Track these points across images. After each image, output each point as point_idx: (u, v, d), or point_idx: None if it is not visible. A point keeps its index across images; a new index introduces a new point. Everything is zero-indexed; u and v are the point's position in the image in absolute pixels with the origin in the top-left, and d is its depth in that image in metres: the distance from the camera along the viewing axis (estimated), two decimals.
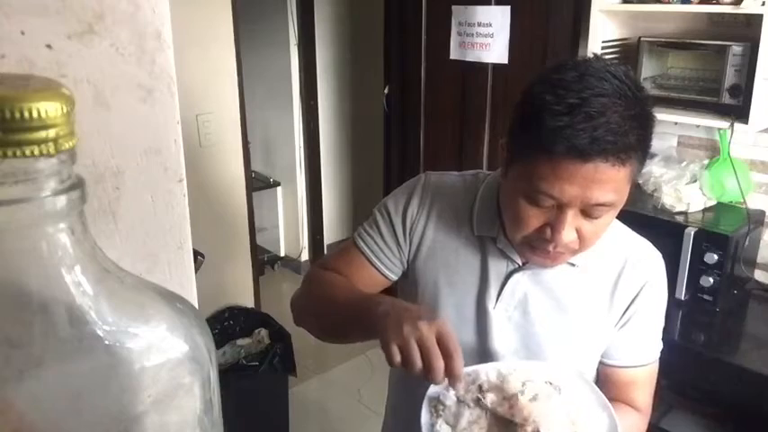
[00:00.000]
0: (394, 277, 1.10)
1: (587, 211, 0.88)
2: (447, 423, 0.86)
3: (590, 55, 0.95)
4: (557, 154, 0.83)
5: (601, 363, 1.07)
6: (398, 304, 0.89)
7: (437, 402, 0.88)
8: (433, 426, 0.86)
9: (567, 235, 0.88)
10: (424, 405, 0.89)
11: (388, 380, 1.26)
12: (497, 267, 1.03)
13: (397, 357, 0.81)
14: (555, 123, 0.82)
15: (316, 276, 1.10)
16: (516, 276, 1.02)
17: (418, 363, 0.80)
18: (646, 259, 1.05)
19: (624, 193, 0.89)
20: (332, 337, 1.09)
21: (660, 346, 1.09)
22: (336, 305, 1.01)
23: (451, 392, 0.88)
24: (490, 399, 0.87)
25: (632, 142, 0.84)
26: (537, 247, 0.93)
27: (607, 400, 0.90)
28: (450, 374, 0.81)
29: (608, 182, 0.84)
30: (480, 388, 0.89)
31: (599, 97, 0.82)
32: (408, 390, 1.15)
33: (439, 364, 0.79)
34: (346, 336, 1.06)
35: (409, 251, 1.08)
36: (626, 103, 0.84)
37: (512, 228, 0.95)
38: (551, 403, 0.86)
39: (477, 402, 0.87)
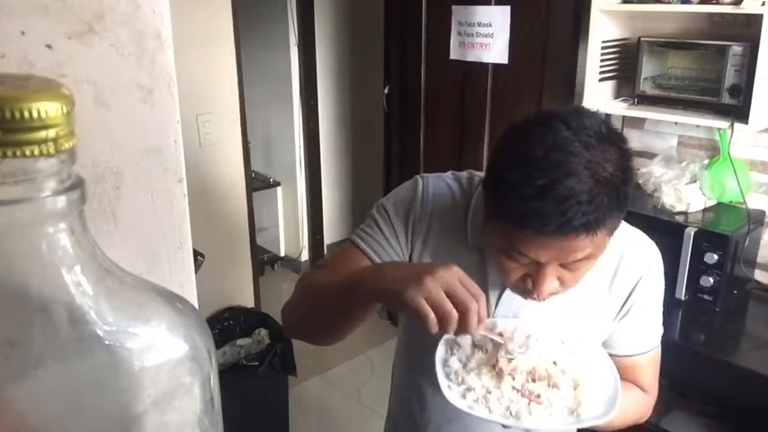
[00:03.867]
0: None
1: (566, 266, 0.88)
2: (459, 361, 0.91)
3: (573, 104, 0.92)
4: (527, 233, 0.83)
5: None
6: (395, 263, 0.85)
7: (453, 342, 0.94)
8: (446, 361, 0.91)
9: (548, 287, 0.89)
10: (440, 342, 0.93)
11: (391, 377, 1.26)
12: (495, 274, 1.03)
13: (431, 313, 0.77)
14: (522, 209, 0.81)
15: (306, 276, 1.09)
16: None
17: (454, 312, 0.77)
18: (641, 251, 1.06)
19: (604, 245, 0.88)
20: (324, 328, 1.03)
21: (661, 330, 1.10)
22: (325, 289, 0.98)
23: (469, 337, 0.92)
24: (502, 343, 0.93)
25: (605, 210, 0.81)
26: (524, 291, 0.94)
27: (617, 371, 0.93)
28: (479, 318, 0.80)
29: (584, 247, 0.84)
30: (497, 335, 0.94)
31: (568, 177, 0.79)
32: (412, 384, 1.15)
33: (473, 305, 0.78)
34: (340, 320, 0.98)
35: (411, 256, 1.07)
36: (596, 168, 0.80)
37: (498, 274, 0.97)
38: (560, 359, 0.91)
39: (490, 344, 0.92)
